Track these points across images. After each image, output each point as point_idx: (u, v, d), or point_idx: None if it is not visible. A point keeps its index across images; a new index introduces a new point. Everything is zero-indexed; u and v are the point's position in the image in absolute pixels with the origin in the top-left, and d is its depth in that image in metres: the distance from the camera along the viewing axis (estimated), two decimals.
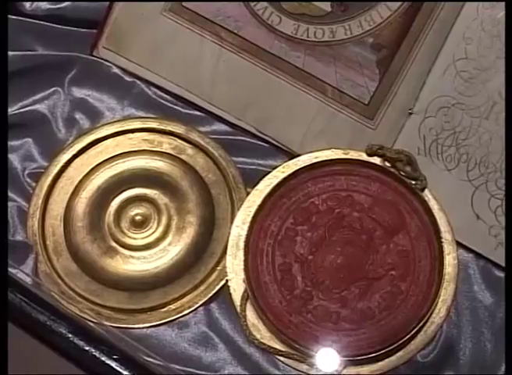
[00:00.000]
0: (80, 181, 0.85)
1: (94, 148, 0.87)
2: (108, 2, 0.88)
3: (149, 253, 0.84)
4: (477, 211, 0.83)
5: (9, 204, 0.85)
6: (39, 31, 0.90)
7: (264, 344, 0.79)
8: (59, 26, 0.90)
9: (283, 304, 0.80)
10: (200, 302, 0.83)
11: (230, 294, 0.81)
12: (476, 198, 0.83)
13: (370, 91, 0.85)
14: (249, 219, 0.81)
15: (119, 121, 0.88)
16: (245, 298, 0.80)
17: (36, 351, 0.71)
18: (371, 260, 0.80)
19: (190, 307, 0.83)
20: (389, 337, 0.78)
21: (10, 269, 0.76)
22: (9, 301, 0.71)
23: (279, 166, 0.83)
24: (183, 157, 0.86)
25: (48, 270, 0.83)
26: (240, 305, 0.80)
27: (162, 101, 0.89)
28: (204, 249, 0.84)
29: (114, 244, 0.84)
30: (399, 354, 0.79)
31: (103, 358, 0.69)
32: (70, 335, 0.70)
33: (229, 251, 0.82)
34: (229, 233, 0.82)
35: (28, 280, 0.82)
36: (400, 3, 0.86)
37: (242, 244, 0.81)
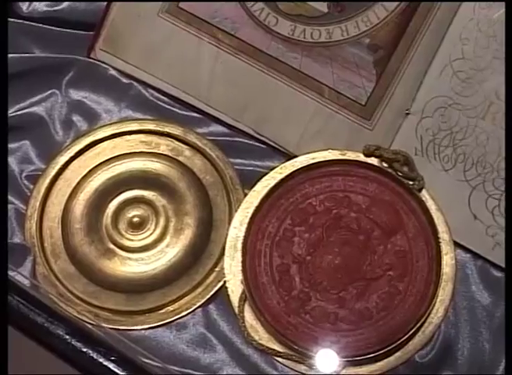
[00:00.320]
0: (78, 183, 0.86)
1: (91, 150, 0.87)
2: (104, 4, 0.88)
3: (147, 255, 0.84)
4: (474, 211, 0.83)
5: None
6: (36, 34, 0.90)
7: (262, 345, 0.80)
8: (56, 29, 0.90)
9: (281, 305, 0.80)
10: (199, 304, 0.83)
11: (228, 295, 0.81)
12: (473, 198, 0.83)
13: (367, 92, 0.85)
14: (247, 220, 0.81)
15: (116, 123, 0.88)
16: (243, 299, 0.80)
17: (33, 352, 0.71)
18: (368, 260, 0.81)
19: (188, 308, 0.83)
20: (387, 337, 0.78)
21: (8, 272, 0.76)
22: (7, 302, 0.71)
23: (277, 167, 0.84)
24: (180, 159, 0.86)
25: (45, 272, 0.83)
26: (238, 307, 0.80)
27: (159, 102, 0.89)
28: (202, 251, 0.84)
29: (112, 246, 0.84)
30: (397, 354, 0.79)
31: (100, 360, 0.69)
32: (68, 337, 0.70)
33: (226, 253, 0.82)
34: (227, 234, 0.82)
35: (26, 282, 0.82)
36: (396, 4, 0.86)
37: (240, 246, 0.81)
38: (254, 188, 0.83)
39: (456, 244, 0.82)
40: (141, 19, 0.87)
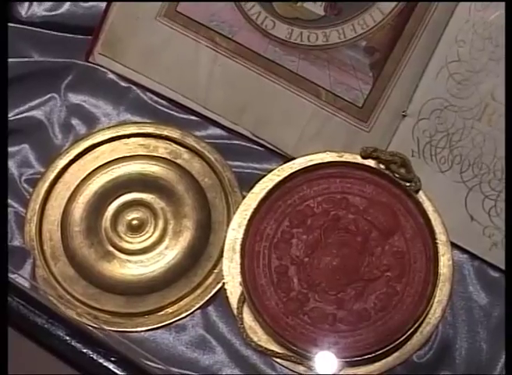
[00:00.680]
0: (77, 186, 0.86)
1: (90, 153, 0.87)
2: (103, 9, 0.88)
3: (146, 257, 0.85)
4: (471, 212, 0.84)
5: None
6: (35, 38, 0.90)
7: (261, 346, 0.80)
8: (55, 33, 0.90)
9: (280, 306, 0.80)
10: (198, 305, 0.83)
11: (227, 297, 0.81)
12: (470, 199, 0.84)
13: (364, 94, 0.86)
14: (245, 222, 0.82)
15: (114, 126, 0.88)
16: (242, 301, 0.80)
17: (34, 353, 0.72)
18: (366, 262, 0.81)
19: (187, 310, 0.83)
20: (385, 337, 0.79)
21: (8, 274, 0.77)
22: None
23: (275, 169, 0.84)
24: (178, 161, 0.87)
25: (45, 275, 0.84)
26: (237, 308, 0.80)
27: (158, 106, 0.89)
28: (201, 253, 0.84)
29: (111, 249, 0.85)
30: (395, 354, 0.79)
31: (100, 361, 0.69)
32: (68, 338, 0.70)
33: (225, 255, 0.82)
34: (226, 236, 0.82)
35: (26, 284, 0.82)
36: (392, 7, 0.86)
37: (238, 248, 0.81)
38: (252, 190, 0.83)
39: (454, 245, 0.82)
40: (139, 24, 0.88)
